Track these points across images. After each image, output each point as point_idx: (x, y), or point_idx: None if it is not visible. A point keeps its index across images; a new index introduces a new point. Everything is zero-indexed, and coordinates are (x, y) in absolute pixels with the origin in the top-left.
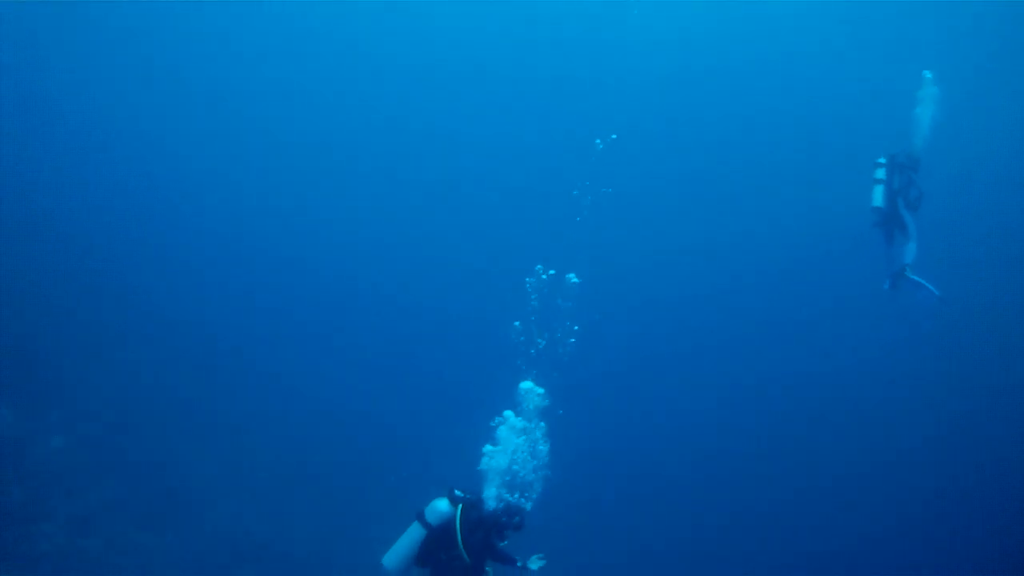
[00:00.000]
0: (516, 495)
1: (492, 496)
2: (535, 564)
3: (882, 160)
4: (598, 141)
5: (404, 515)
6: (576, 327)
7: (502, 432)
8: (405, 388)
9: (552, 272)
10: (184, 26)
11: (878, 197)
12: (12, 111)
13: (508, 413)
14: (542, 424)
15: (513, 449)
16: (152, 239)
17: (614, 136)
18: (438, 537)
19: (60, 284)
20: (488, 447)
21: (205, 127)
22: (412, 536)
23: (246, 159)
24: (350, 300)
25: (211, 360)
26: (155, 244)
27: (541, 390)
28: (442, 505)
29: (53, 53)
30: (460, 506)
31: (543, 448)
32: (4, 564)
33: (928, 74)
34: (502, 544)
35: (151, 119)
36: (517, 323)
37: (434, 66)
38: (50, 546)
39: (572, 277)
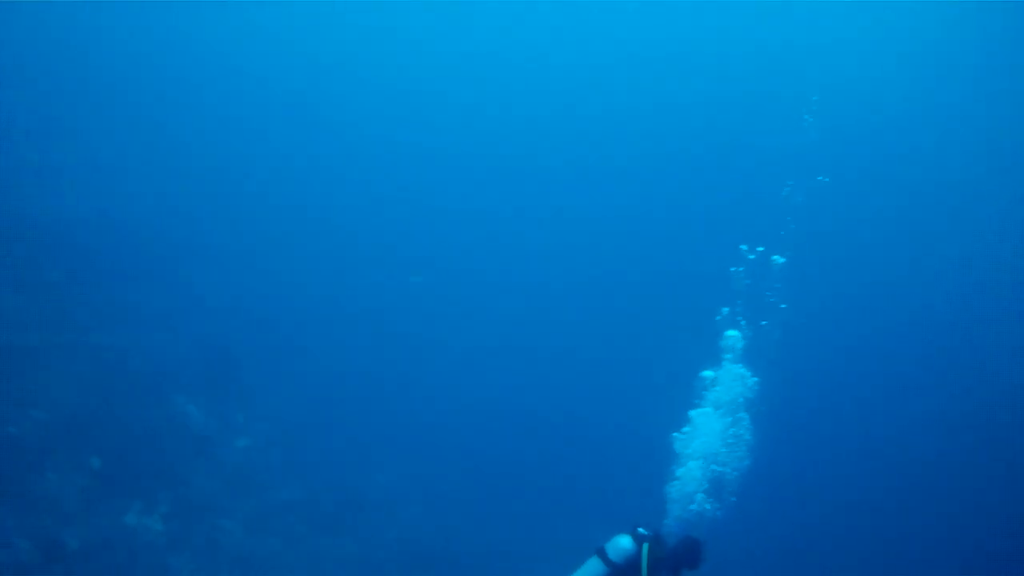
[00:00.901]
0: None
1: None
2: None
3: None
4: (807, 116)
5: (581, 544)
6: (783, 306)
7: (701, 420)
8: (602, 385)
9: (760, 249)
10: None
11: None
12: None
13: (709, 400)
14: (744, 416)
15: (713, 438)
16: (337, 251)
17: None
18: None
19: (251, 291)
20: (685, 429)
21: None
22: (591, 572)
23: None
24: (544, 297)
25: (397, 367)
26: (340, 255)
27: (748, 379)
28: (625, 542)
29: None
30: (646, 544)
31: (744, 441)
32: (186, 555)
33: None
34: None
35: None
36: (726, 309)
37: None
38: (230, 541)
39: (778, 258)
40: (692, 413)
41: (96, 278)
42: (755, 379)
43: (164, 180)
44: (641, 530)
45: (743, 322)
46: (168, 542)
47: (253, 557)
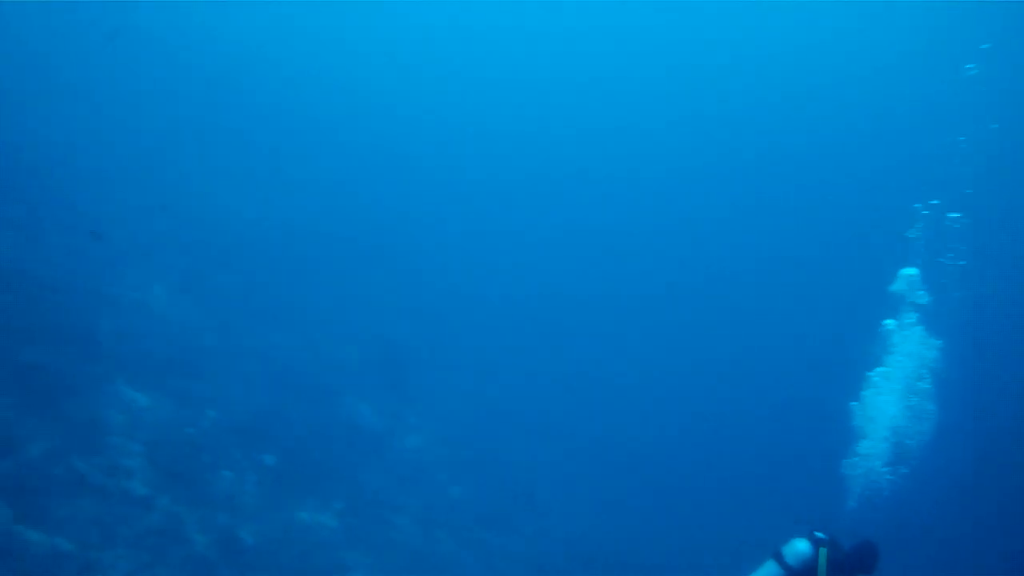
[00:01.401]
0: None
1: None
2: None
3: None
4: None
5: (757, 544)
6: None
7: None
8: (771, 368)
9: (935, 203)
10: None
11: None
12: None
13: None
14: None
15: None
16: (507, 247)
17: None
18: None
19: (422, 289)
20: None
21: None
22: (767, 575)
23: None
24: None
25: (566, 366)
26: (510, 251)
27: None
28: (802, 546)
29: None
30: (824, 549)
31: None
32: (361, 550)
33: None
34: None
35: None
36: (913, 271)
37: None
38: (402, 537)
39: (954, 215)
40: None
41: (267, 279)
42: (937, 342)
43: (328, 181)
44: (818, 534)
45: (920, 282)
46: (343, 539)
47: (426, 553)
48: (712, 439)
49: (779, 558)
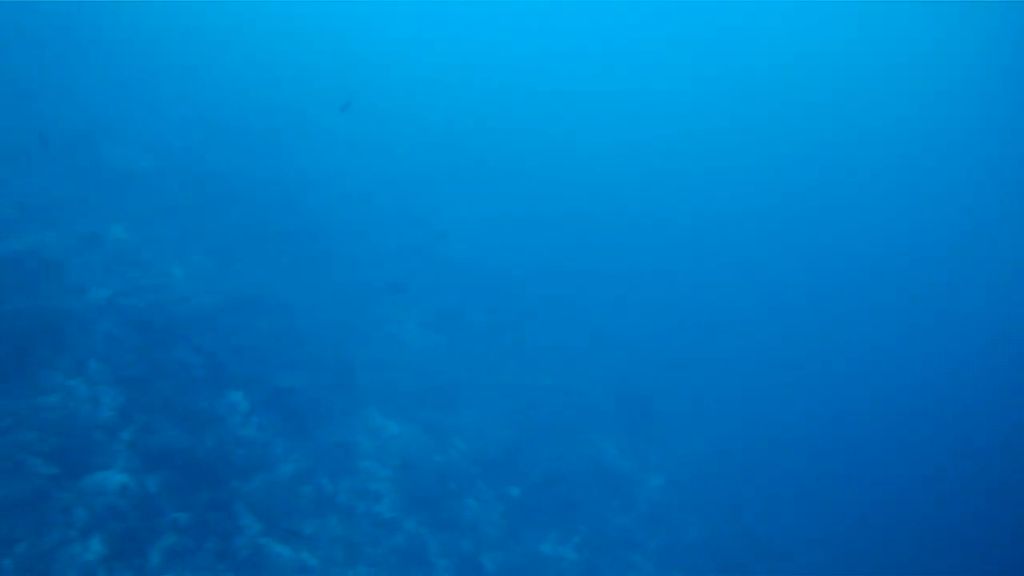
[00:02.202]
0: None
1: None
2: None
3: None
4: None
5: None
6: None
7: None
8: None
9: None
10: None
11: None
12: None
13: None
14: None
15: None
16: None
17: None
18: None
19: (667, 331)
20: None
21: None
22: None
23: None
24: None
25: (810, 414)
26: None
27: None
28: None
29: None
30: None
31: None
32: None
33: None
34: None
35: None
36: None
37: None
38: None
39: None
40: None
41: (518, 318)
42: None
43: (582, 221)
44: None
45: None
46: (582, 572)
47: None
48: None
49: None
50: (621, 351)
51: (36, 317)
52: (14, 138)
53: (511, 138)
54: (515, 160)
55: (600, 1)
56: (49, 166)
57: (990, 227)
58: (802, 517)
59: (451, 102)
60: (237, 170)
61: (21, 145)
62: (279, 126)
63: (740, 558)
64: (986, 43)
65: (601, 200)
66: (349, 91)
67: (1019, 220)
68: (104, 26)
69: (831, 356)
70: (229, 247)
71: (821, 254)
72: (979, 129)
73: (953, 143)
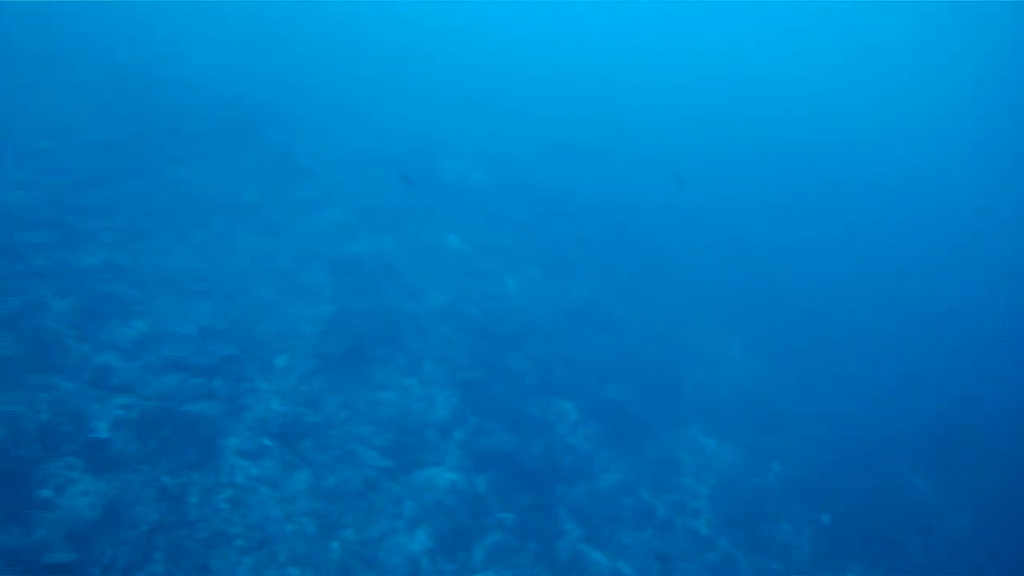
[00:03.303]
0: None
1: None
2: None
3: None
4: None
5: None
6: None
7: None
8: None
9: None
10: None
11: None
12: None
13: None
14: None
15: None
16: None
17: None
18: None
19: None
20: None
21: None
22: None
23: None
24: None
25: None
26: None
27: None
28: None
29: None
30: None
31: None
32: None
33: None
34: None
35: None
36: None
37: None
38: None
39: None
40: None
41: (840, 343)
42: None
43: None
44: None
45: None
46: None
47: None
48: None
49: None
50: (932, 379)
51: (377, 316)
52: (359, 144)
53: (834, 162)
54: (838, 186)
55: None
56: (389, 176)
57: None
58: None
59: (793, 126)
60: (564, 186)
61: (364, 155)
62: (607, 145)
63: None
64: None
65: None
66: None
67: None
68: (437, 45)
69: None
70: (560, 260)
71: None
72: None
73: None
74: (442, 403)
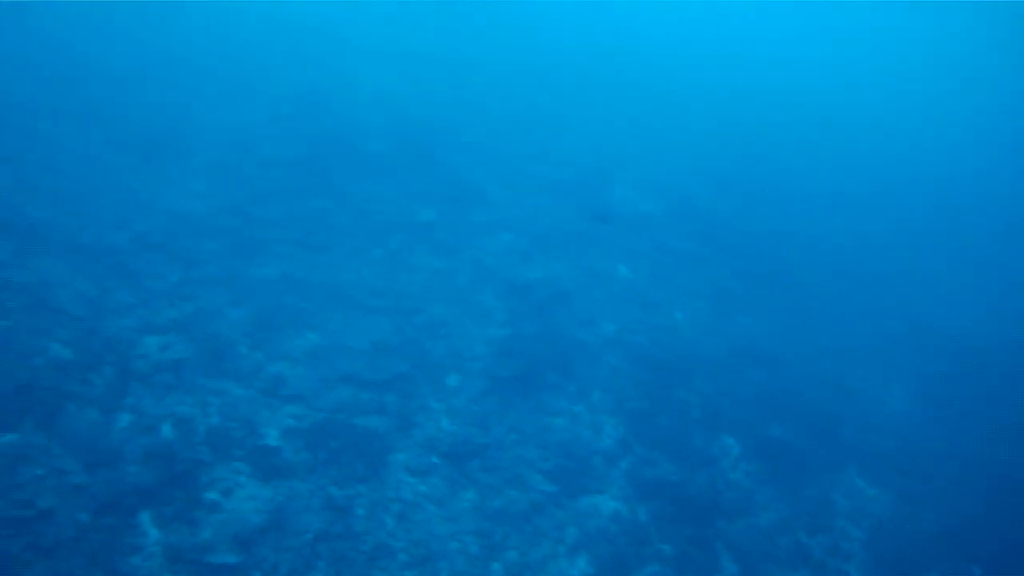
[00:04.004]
0: None
1: None
2: None
3: None
4: None
5: None
6: None
7: None
8: None
9: None
10: None
11: None
12: None
13: None
14: None
15: None
16: None
17: None
18: None
19: None
20: None
21: None
22: None
23: None
24: None
25: None
26: None
27: None
28: None
29: None
30: None
31: None
32: None
33: None
34: None
35: None
36: None
37: None
38: None
39: None
40: None
41: (1006, 394)
42: None
43: None
44: None
45: None
46: None
47: None
48: None
49: None
50: None
51: (548, 342)
52: (532, 168)
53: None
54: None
55: None
56: (561, 202)
57: None
58: None
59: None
60: (731, 218)
61: (537, 179)
62: (776, 182)
63: None
64: None
65: None
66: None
67: None
68: (610, 70)
69: None
70: (725, 294)
71: None
72: None
73: None
74: (609, 431)
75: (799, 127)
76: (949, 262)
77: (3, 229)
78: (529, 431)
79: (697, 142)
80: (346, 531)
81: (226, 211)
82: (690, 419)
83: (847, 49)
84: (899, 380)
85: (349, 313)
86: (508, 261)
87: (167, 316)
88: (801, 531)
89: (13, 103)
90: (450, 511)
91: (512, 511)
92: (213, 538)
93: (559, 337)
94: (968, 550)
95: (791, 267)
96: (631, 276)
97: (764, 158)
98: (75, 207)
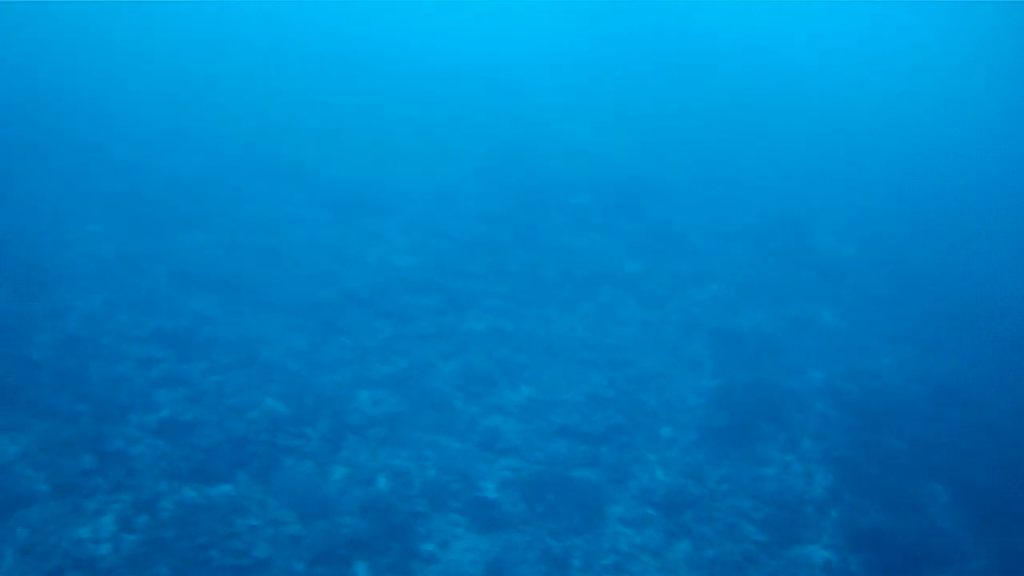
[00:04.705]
0: None
1: None
2: None
3: None
4: None
5: None
6: None
7: None
8: None
9: None
10: None
11: None
12: None
13: None
14: None
15: None
16: None
17: None
18: None
19: None
20: None
21: None
22: None
23: None
24: None
25: None
26: None
27: None
28: None
29: None
30: None
31: None
32: None
33: None
34: None
35: None
36: None
37: None
38: None
39: None
40: None
41: None
42: None
43: None
44: None
45: None
46: None
47: None
48: None
49: None
50: None
51: (758, 391)
52: (734, 217)
53: None
54: None
55: None
56: (761, 248)
57: None
58: None
59: None
60: (932, 263)
61: (740, 228)
62: (974, 222)
63: None
64: None
65: None
66: None
67: None
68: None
69: None
70: (929, 338)
71: None
72: None
73: None
74: (820, 480)
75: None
76: None
77: (211, 286)
78: (741, 481)
79: (889, 178)
80: None
81: (433, 266)
82: (899, 465)
83: None
84: None
85: (562, 366)
86: (715, 310)
87: (379, 371)
88: None
89: (210, 162)
90: (665, 562)
91: (726, 561)
92: None
93: (769, 386)
94: None
95: (994, 305)
96: (835, 322)
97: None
98: (281, 264)
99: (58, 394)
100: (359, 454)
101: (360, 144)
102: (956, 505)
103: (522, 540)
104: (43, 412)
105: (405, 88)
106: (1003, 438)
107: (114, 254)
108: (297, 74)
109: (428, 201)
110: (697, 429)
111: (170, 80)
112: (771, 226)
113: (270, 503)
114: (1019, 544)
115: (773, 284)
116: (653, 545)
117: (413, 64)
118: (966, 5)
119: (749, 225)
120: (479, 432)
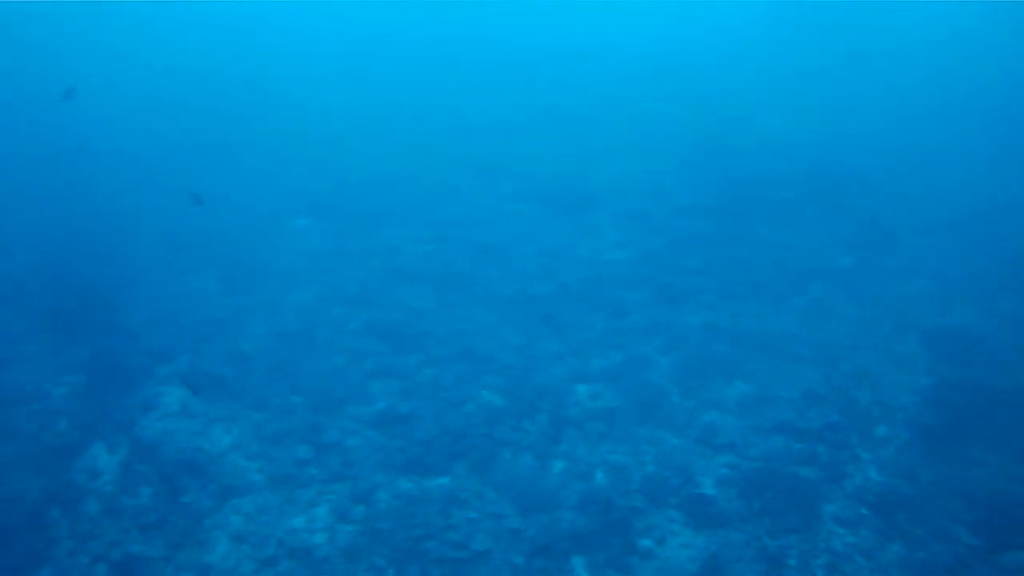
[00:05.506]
0: None
1: None
2: None
3: None
4: None
5: None
6: None
7: None
8: None
9: None
10: None
11: None
12: None
13: None
14: None
15: None
16: None
17: None
18: None
19: None
20: None
21: None
22: None
23: None
24: None
25: None
26: None
27: None
28: None
29: None
30: None
31: None
32: None
33: None
34: None
35: None
36: None
37: None
38: None
39: None
40: None
41: None
42: None
43: None
44: None
45: None
46: None
47: None
48: None
49: None
50: None
51: (970, 391)
52: (941, 210)
53: None
54: None
55: None
56: (968, 240)
57: None
58: None
59: None
60: None
61: (947, 221)
62: None
63: None
64: None
65: None
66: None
67: None
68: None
69: None
70: None
71: None
72: None
73: None
74: None
75: None
76: None
77: (423, 279)
78: (954, 482)
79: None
80: None
81: (645, 260)
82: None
83: None
84: None
85: (776, 362)
86: (926, 306)
87: (597, 365)
88: None
89: (406, 159)
90: (879, 563)
91: (937, 564)
92: None
93: (981, 385)
94: None
95: None
96: None
97: None
98: (493, 257)
99: (272, 386)
100: (578, 448)
101: (559, 141)
102: None
103: (739, 538)
104: (257, 403)
105: (601, 86)
106: None
107: (324, 249)
108: (490, 73)
109: (635, 195)
110: (910, 428)
111: (355, 77)
112: (979, 219)
113: (488, 496)
114: None
115: (983, 279)
116: (866, 546)
117: (605, 63)
118: None
119: (956, 218)
120: (696, 428)
